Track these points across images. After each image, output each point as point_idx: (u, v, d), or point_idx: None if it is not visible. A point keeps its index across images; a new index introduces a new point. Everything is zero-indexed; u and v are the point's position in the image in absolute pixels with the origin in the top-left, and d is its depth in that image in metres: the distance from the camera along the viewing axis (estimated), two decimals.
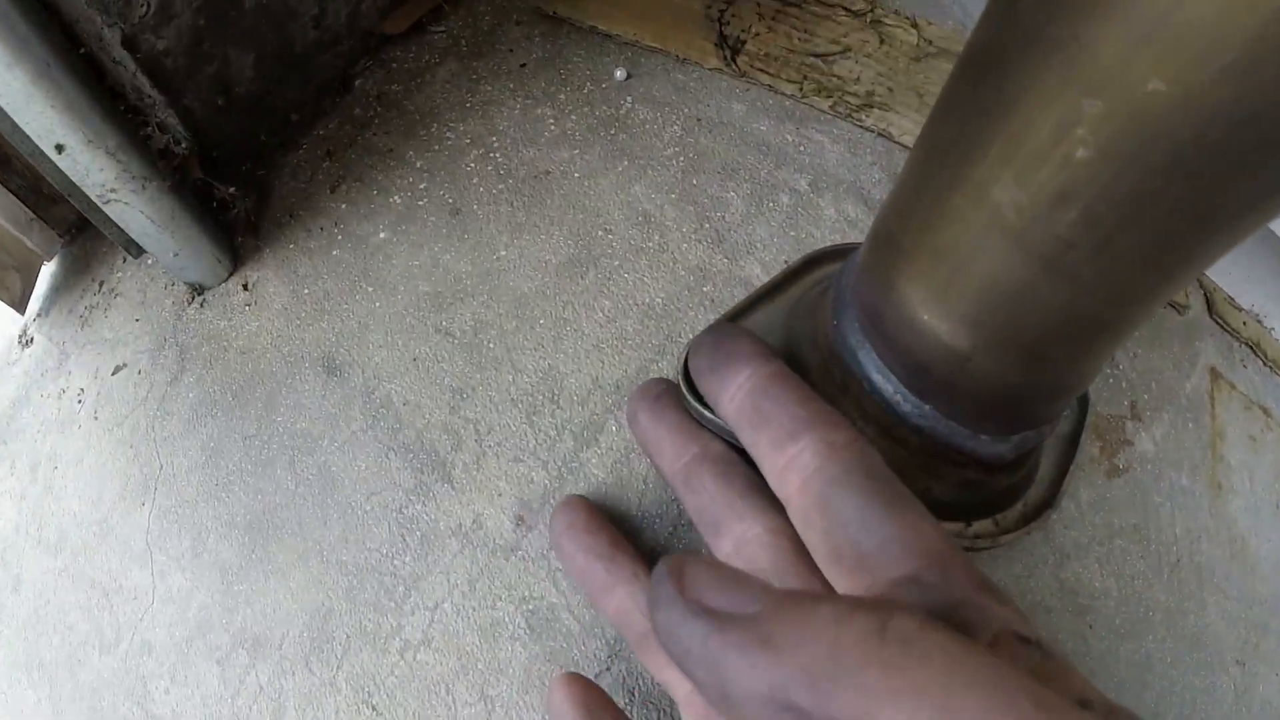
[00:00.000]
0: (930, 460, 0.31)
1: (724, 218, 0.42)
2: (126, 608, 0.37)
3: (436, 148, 0.44)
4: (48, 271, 0.44)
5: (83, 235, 0.45)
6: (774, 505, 0.26)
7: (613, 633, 0.33)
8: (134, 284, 0.42)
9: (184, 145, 0.40)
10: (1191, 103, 0.16)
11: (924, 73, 0.52)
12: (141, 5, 0.37)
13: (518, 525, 0.35)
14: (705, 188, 0.43)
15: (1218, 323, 0.48)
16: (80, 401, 0.40)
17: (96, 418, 0.40)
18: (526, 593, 0.34)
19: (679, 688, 0.25)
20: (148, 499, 0.38)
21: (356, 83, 0.46)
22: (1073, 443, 0.36)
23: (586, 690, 0.27)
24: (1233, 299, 0.51)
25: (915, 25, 0.56)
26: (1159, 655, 0.35)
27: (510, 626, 0.33)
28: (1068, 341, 0.26)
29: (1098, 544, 0.36)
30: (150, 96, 0.39)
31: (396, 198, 0.42)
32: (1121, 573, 0.36)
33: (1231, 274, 0.51)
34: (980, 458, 0.30)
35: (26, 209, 0.42)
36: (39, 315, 0.43)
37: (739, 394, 0.25)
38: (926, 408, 0.30)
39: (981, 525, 0.34)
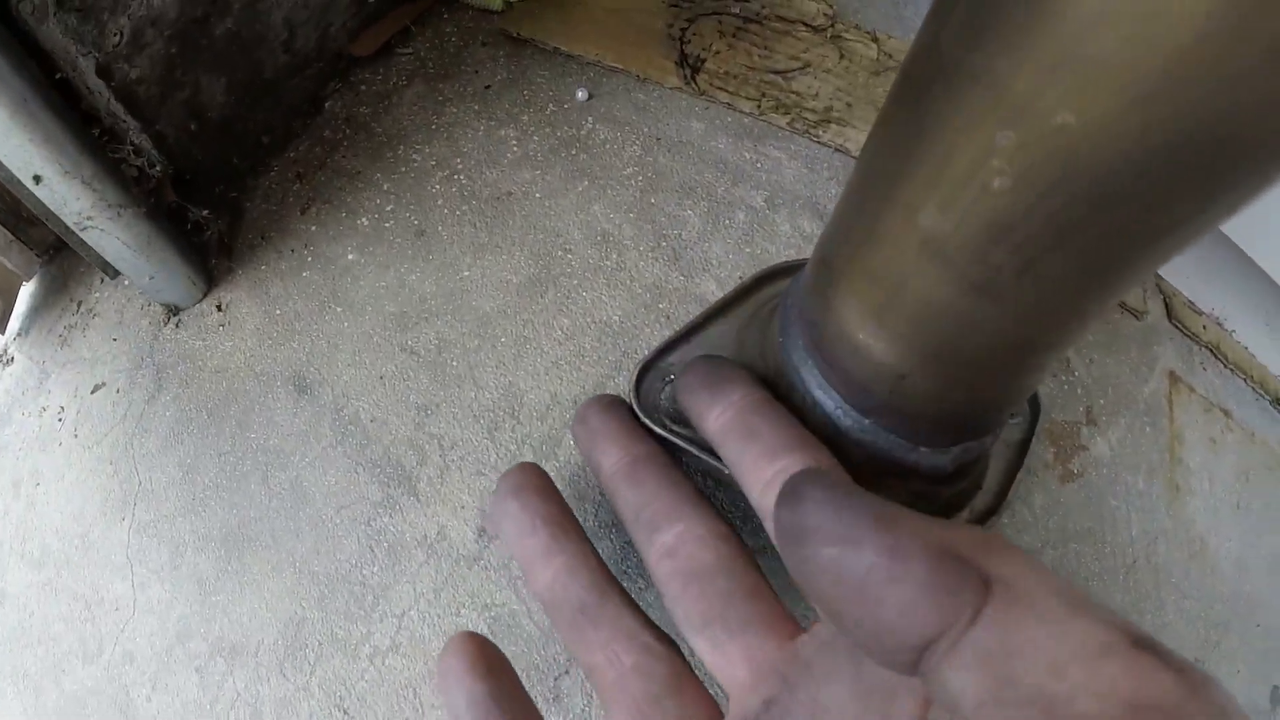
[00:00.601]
0: (876, 474, 0.33)
1: (681, 235, 0.44)
2: (108, 619, 0.39)
3: (403, 170, 0.45)
4: (27, 291, 0.45)
5: (61, 255, 0.46)
6: (719, 514, 0.27)
7: None
8: (111, 304, 0.44)
9: (158, 169, 0.41)
10: (1101, 134, 0.17)
11: (882, 86, 0.54)
12: (115, 34, 0.38)
13: (480, 536, 0.37)
14: (663, 206, 0.45)
15: (1177, 327, 0.48)
16: (60, 420, 0.42)
17: (76, 435, 0.42)
18: (489, 600, 0.35)
19: (608, 670, 0.24)
20: (127, 514, 0.40)
21: (326, 105, 0.48)
22: (1022, 450, 0.37)
23: (483, 647, 0.26)
24: (1192, 303, 0.50)
25: (875, 39, 0.57)
26: None
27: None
28: (1002, 361, 0.27)
29: (1051, 548, 0.37)
30: (125, 122, 0.40)
31: (364, 219, 0.44)
32: (1076, 575, 0.37)
33: (1191, 277, 0.51)
34: (922, 470, 0.32)
35: (5, 230, 0.43)
36: (19, 334, 0.44)
37: (729, 410, 0.26)
38: (867, 422, 0.31)
39: None
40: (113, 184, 0.37)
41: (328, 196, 0.45)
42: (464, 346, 0.40)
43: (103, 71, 0.38)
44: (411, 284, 0.42)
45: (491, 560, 0.36)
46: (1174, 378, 0.47)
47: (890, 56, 0.56)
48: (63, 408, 0.42)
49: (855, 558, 0.12)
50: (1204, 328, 0.50)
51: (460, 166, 0.45)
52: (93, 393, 0.42)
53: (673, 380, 0.38)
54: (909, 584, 0.12)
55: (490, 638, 0.35)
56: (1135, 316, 0.51)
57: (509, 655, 0.35)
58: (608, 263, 0.43)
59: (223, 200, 0.45)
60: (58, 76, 0.38)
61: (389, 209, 0.44)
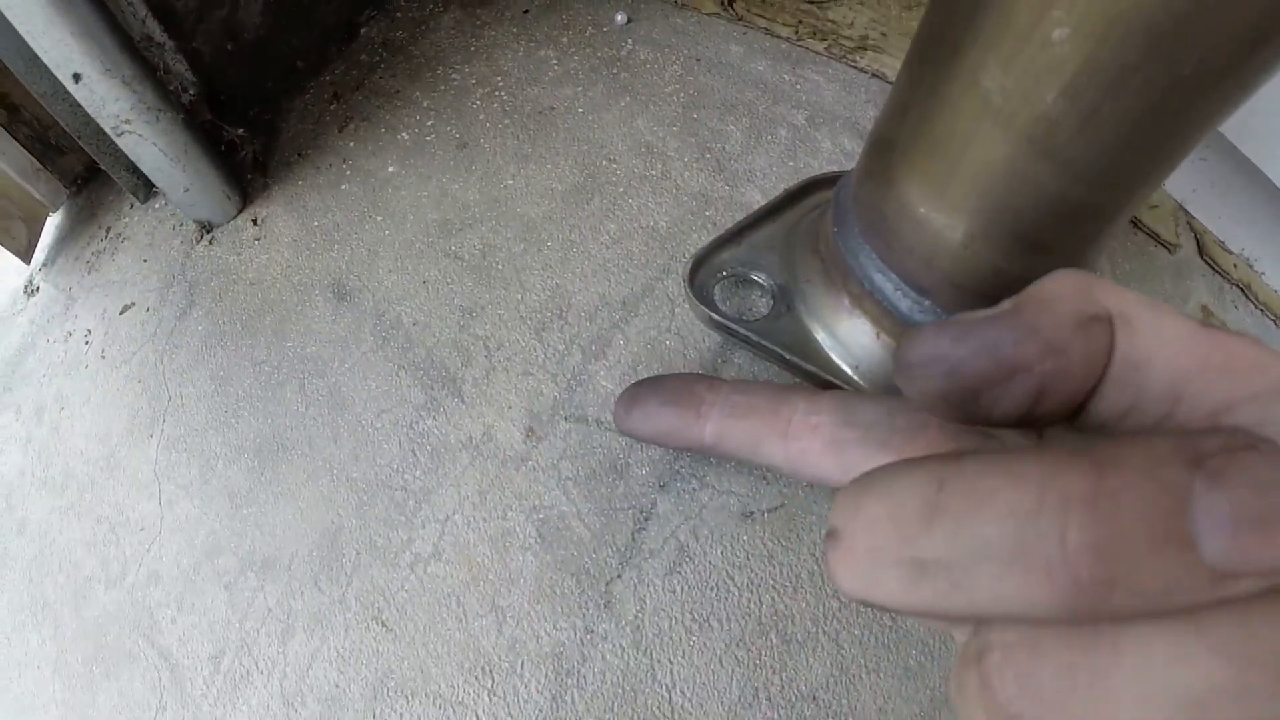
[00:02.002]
0: None
1: (724, 149, 0.43)
2: (133, 539, 0.36)
3: (442, 88, 0.45)
4: (53, 223, 0.44)
5: (89, 186, 0.45)
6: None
7: (624, 539, 0.32)
8: (141, 228, 0.43)
9: (192, 91, 0.41)
10: None
11: (916, 20, 0.53)
12: None
13: (528, 436, 0.34)
14: (706, 121, 0.44)
15: (1208, 263, 0.48)
16: (88, 342, 0.40)
17: (104, 357, 0.40)
18: (537, 502, 0.33)
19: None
20: (156, 430, 0.38)
21: (362, 30, 0.47)
22: None
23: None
24: (1223, 242, 0.51)
25: None
26: None
27: (521, 536, 0.33)
28: (1060, 227, 0.26)
29: None
30: (159, 41, 0.40)
31: (404, 134, 0.43)
32: None
33: (1222, 219, 0.51)
34: None
35: (34, 159, 0.42)
36: (44, 265, 0.43)
37: (714, 413, 0.23)
38: (926, 303, 0.30)
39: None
40: (152, 87, 0.36)
41: (366, 114, 0.44)
42: (509, 251, 0.39)
43: None
44: (454, 193, 0.41)
45: (540, 461, 0.34)
46: (1207, 311, 0.46)
47: None
48: (89, 330, 0.41)
49: (998, 334, 0.12)
50: (1234, 266, 0.50)
51: (501, 84, 0.45)
52: (121, 313, 0.40)
53: (724, 276, 0.36)
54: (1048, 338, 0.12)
55: (539, 541, 0.32)
56: (1168, 249, 0.50)
57: (558, 559, 0.32)
58: (653, 172, 0.41)
59: (257, 121, 0.44)
60: None
61: (429, 124, 0.43)
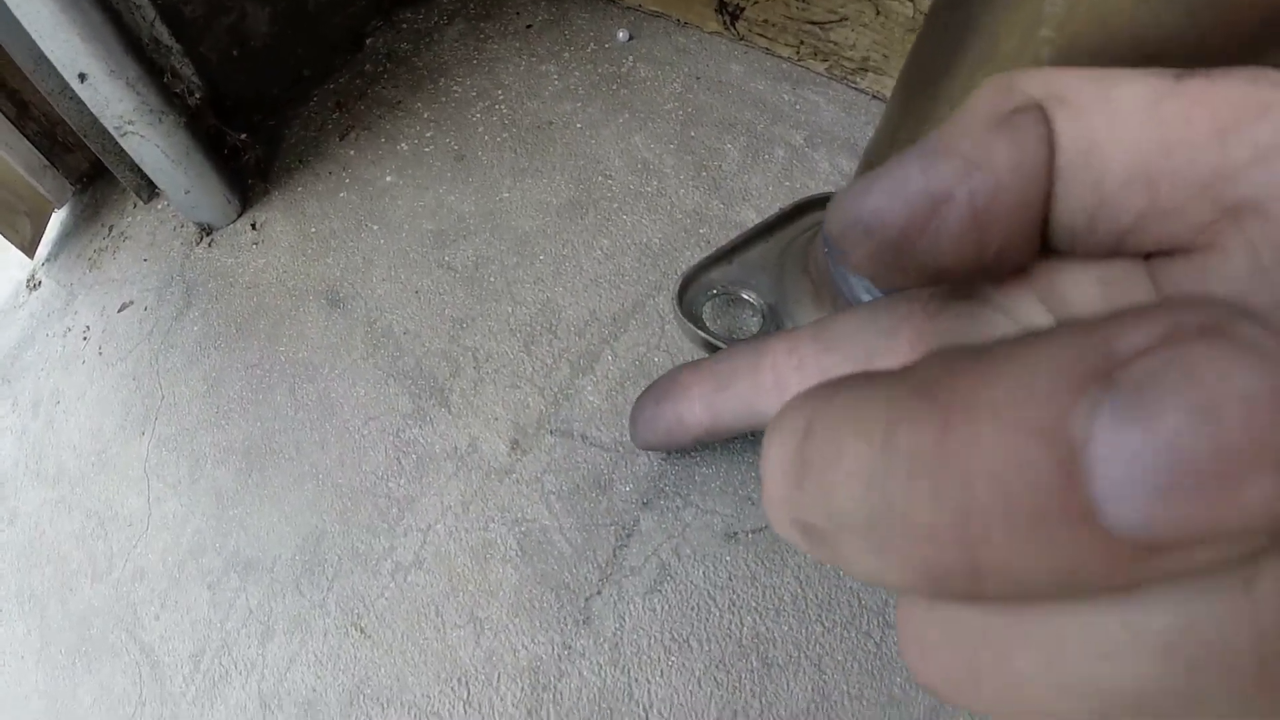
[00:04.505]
0: None
1: (721, 167, 0.43)
2: (121, 535, 0.37)
3: (443, 100, 0.45)
4: (58, 219, 0.45)
5: (95, 184, 0.46)
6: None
7: (605, 555, 0.33)
8: (144, 228, 0.43)
9: (198, 95, 0.41)
10: None
11: None
12: None
13: (513, 449, 0.35)
14: (703, 139, 0.44)
15: None
16: (86, 339, 0.41)
17: (101, 353, 0.41)
18: (520, 515, 0.33)
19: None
20: (148, 428, 0.38)
21: (367, 41, 0.48)
22: None
23: None
24: None
25: None
26: None
27: (502, 548, 0.33)
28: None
29: None
30: (167, 45, 0.41)
31: (404, 144, 0.43)
32: None
33: None
34: None
35: (40, 155, 0.43)
36: (47, 260, 0.44)
37: (699, 392, 0.23)
38: None
39: None
40: (155, 89, 0.37)
41: (367, 124, 0.45)
42: (502, 263, 0.39)
43: None
44: (450, 204, 0.41)
45: (524, 473, 0.34)
46: None
47: (924, 15, 0.56)
48: (88, 327, 0.41)
49: (904, 169, 0.10)
50: None
51: (501, 97, 0.45)
52: (120, 311, 0.41)
53: (715, 295, 0.37)
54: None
55: (519, 554, 0.33)
56: None
57: (539, 573, 0.33)
58: (648, 189, 0.42)
59: (261, 127, 0.44)
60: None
61: (429, 135, 0.44)
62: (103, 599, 0.36)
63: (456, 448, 0.35)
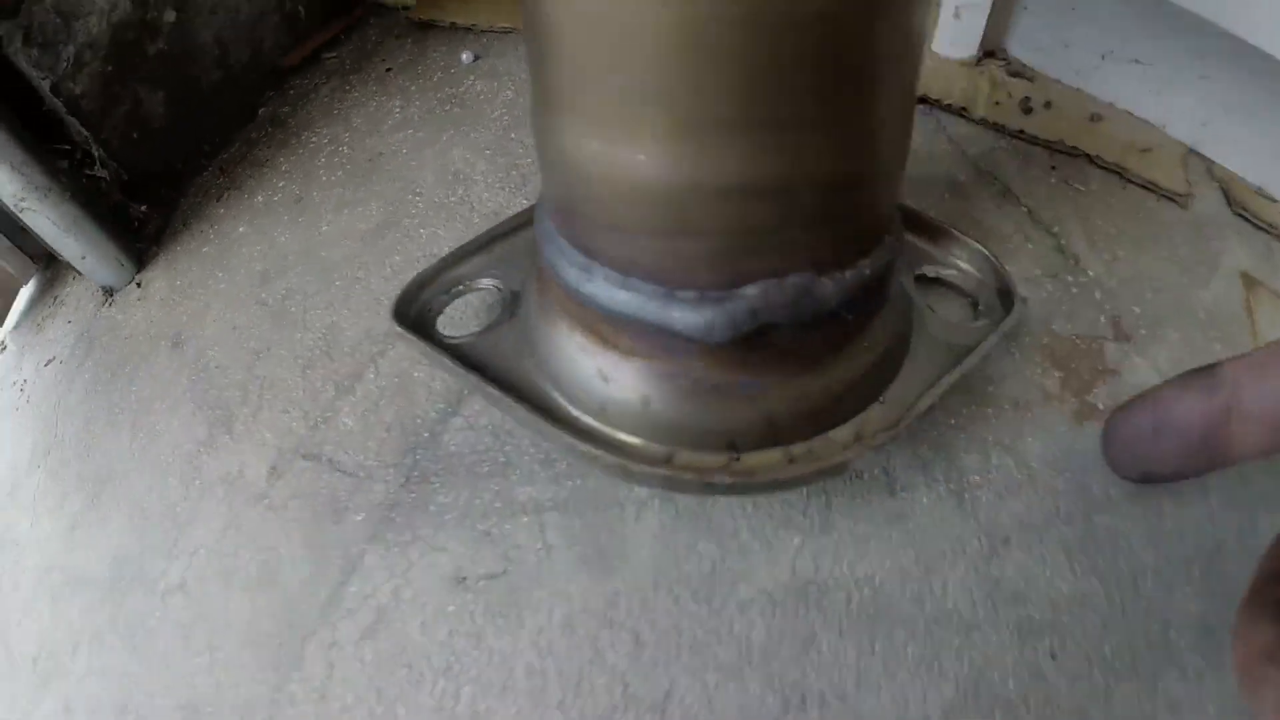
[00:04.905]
0: (645, 365, 0.28)
1: (533, 164, 0.41)
2: (6, 555, 0.42)
3: (300, 152, 0.49)
4: (26, 294, 0.55)
5: (55, 262, 0.55)
6: None
7: (327, 591, 0.31)
8: (74, 295, 0.51)
9: (106, 173, 0.48)
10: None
11: None
12: (65, 60, 0.47)
13: (270, 474, 0.35)
14: (523, 139, 0.43)
15: (1242, 217, 0.39)
16: (22, 390, 0.49)
17: (29, 401, 0.48)
18: (265, 542, 0.34)
19: None
20: (43, 462, 0.44)
21: (260, 111, 0.53)
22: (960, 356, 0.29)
23: None
24: (1263, 189, 0.40)
25: None
26: None
27: (243, 576, 0.33)
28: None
29: (1063, 522, 0.28)
30: (81, 133, 0.48)
31: (259, 197, 0.47)
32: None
33: (1247, 153, 0.40)
34: (683, 333, 0.26)
35: (4, 238, 0.52)
36: (14, 328, 0.53)
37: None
38: (606, 272, 0.27)
39: (759, 457, 0.28)
40: (39, 168, 0.44)
41: (239, 184, 0.49)
42: (305, 293, 0.41)
43: (55, 89, 0.46)
44: (280, 245, 0.44)
45: (275, 499, 0.34)
46: (1250, 281, 0.35)
47: None
48: (26, 380, 0.49)
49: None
50: None
51: (346, 139, 0.48)
52: (45, 365, 0.48)
53: (462, 290, 0.35)
54: None
55: (256, 584, 0.33)
56: (1175, 202, 0.39)
57: (270, 605, 0.32)
58: (452, 198, 0.41)
59: (165, 198, 0.51)
60: (32, 98, 0.46)
61: (280, 185, 0.47)
62: None
63: (229, 473, 0.36)
